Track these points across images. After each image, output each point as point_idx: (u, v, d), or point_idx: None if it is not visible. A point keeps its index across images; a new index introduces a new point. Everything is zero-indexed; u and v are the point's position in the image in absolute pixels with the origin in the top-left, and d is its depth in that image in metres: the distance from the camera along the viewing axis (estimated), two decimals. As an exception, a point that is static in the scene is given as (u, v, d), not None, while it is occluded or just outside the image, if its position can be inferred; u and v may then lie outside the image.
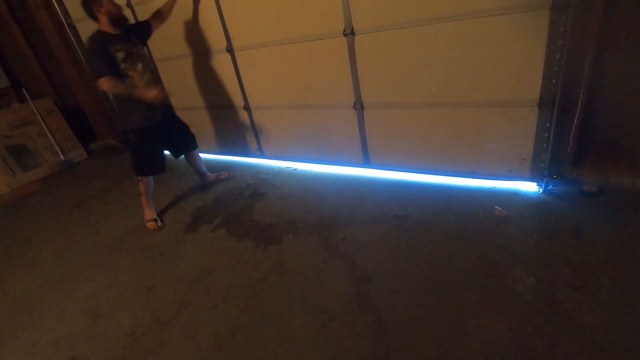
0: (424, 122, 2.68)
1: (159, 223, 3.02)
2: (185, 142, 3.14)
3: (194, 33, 3.37)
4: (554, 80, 2.10)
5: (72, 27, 4.38)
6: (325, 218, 2.64)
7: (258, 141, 3.72)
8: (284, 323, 1.87)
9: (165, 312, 2.11)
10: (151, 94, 2.45)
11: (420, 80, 2.54)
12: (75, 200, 3.84)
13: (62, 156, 4.87)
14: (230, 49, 3.26)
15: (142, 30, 2.82)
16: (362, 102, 2.86)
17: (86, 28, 4.25)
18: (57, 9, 4.27)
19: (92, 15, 2.49)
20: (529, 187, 2.48)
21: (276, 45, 3.01)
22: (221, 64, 3.40)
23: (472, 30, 2.21)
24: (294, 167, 3.53)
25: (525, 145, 2.38)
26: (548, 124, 2.23)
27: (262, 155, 3.79)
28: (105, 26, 2.50)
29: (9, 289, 2.62)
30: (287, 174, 3.46)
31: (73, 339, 2.06)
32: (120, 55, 2.49)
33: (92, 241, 3.02)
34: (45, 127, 4.75)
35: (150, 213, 3.05)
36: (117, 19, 2.51)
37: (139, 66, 2.61)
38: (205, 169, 3.42)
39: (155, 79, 2.78)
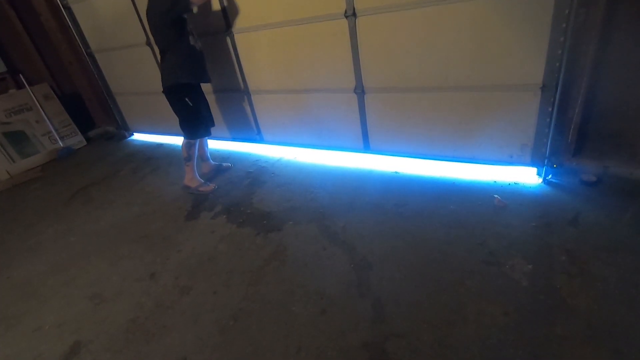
0: (425, 107, 2.68)
1: (211, 184, 3.16)
2: (210, 116, 3.20)
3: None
4: (558, 64, 2.10)
5: (68, 9, 4.31)
6: (325, 206, 2.66)
7: (257, 126, 3.71)
8: (285, 309, 1.90)
9: (167, 298, 2.14)
10: None
11: (422, 64, 2.53)
12: (74, 188, 3.84)
13: (60, 143, 4.85)
14: (229, 32, 3.23)
15: None
16: (363, 86, 2.85)
17: (81, 9, 4.20)
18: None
19: None
20: (529, 175, 2.50)
21: (276, 28, 2.98)
22: (220, 47, 3.37)
23: (475, 12, 2.19)
24: (293, 156, 3.53)
25: (526, 130, 2.39)
26: (550, 109, 2.23)
27: (261, 140, 3.79)
28: None
29: (13, 274, 2.65)
30: (286, 163, 3.46)
31: (77, 323, 2.09)
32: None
33: (92, 228, 3.03)
34: (43, 114, 4.72)
35: (197, 179, 3.17)
36: None
37: (193, 31, 2.91)
38: (208, 155, 3.43)
39: None
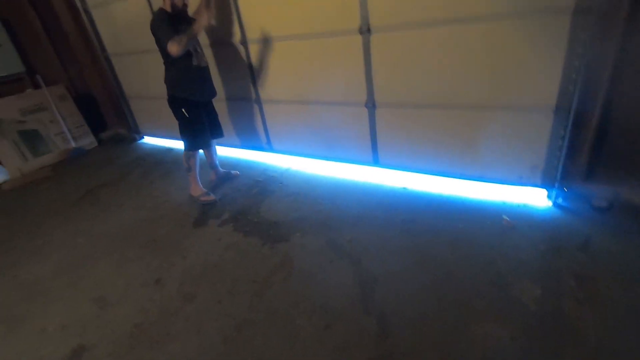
0: (436, 123, 2.69)
1: (212, 195, 3.15)
2: (216, 127, 3.22)
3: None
4: (571, 88, 2.10)
5: (87, 13, 4.42)
6: (332, 219, 2.66)
7: (267, 135, 3.74)
8: (289, 321, 1.89)
9: (172, 304, 2.14)
10: (203, 16, 2.65)
11: (434, 81, 2.54)
12: (83, 189, 3.88)
13: (73, 143, 4.91)
14: (244, 42, 3.28)
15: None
16: (374, 101, 2.87)
17: (101, 14, 4.31)
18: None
19: None
20: (539, 197, 2.48)
21: (290, 40, 3.03)
22: (234, 56, 3.42)
23: (490, 33, 2.21)
24: (302, 167, 3.55)
25: (537, 152, 2.38)
26: (562, 132, 2.23)
27: (270, 149, 3.81)
28: (168, 7, 2.69)
29: (19, 273, 2.67)
30: (294, 173, 3.47)
31: (81, 326, 2.10)
32: None
33: (100, 230, 3.05)
34: (57, 114, 4.80)
35: (200, 188, 3.19)
36: (178, 9, 2.72)
37: (198, 48, 2.87)
38: (216, 163, 3.46)
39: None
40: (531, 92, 2.25)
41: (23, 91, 4.70)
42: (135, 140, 5.17)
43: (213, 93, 3.07)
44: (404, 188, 2.89)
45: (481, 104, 2.44)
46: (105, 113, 5.39)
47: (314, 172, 3.43)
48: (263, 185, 3.32)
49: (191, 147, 3.04)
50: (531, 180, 2.48)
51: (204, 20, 2.65)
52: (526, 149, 2.41)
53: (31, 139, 4.59)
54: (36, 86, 4.77)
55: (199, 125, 2.97)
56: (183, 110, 2.87)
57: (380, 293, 1.97)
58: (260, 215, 2.85)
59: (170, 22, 2.59)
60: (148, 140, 5.16)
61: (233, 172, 3.57)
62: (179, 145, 4.59)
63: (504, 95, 2.34)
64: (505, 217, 2.35)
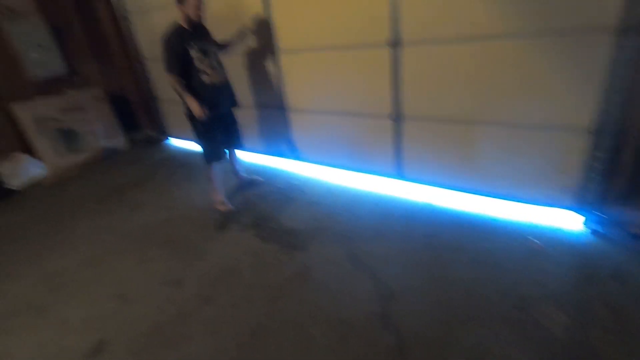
0: (463, 139, 2.63)
1: (229, 205, 3.16)
2: (235, 138, 3.25)
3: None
4: (611, 109, 2.02)
5: (127, 19, 4.65)
6: (352, 230, 2.64)
7: (292, 143, 3.77)
8: (304, 330, 1.88)
9: (189, 306, 2.16)
10: (195, 109, 2.71)
11: (465, 96, 2.50)
12: (111, 187, 4.01)
13: (105, 143, 5.10)
14: (275, 51, 3.35)
15: (215, 43, 2.97)
16: (401, 114, 2.85)
17: (140, 19, 4.50)
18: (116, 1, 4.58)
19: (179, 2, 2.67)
20: (570, 221, 2.37)
21: (320, 52, 3.07)
22: (265, 64, 3.49)
23: (525, 50, 2.16)
24: (325, 176, 3.55)
25: (570, 173, 2.29)
26: (599, 154, 2.14)
27: (294, 157, 3.84)
28: (183, 22, 2.70)
29: (46, 264, 2.76)
30: (317, 182, 3.48)
31: (102, 321, 2.15)
32: (194, 54, 2.70)
33: (124, 228, 3.14)
34: (93, 114, 5.01)
35: (218, 195, 3.20)
36: (193, 21, 2.71)
37: (214, 63, 2.83)
38: (239, 169, 3.50)
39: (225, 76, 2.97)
40: (567, 111, 2.17)
41: (63, 91, 4.93)
42: (164, 142, 5.32)
43: (232, 104, 3.08)
44: (428, 203, 2.84)
45: (513, 121, 2.38)
46: (138, 115, 5.59)
47: (336, 181, 3.42)
48: (285, 192, 3.33)
49: (206, 158, 3.06)
50: (563, 203, 2.39)
51: (194, 111, 2.70)
52: (559, 170, 2.33)
53: (67, 137, 4.80)
54: (75, 87, 5.00)
55: (212, 140, 2.98)
56: (196, 124, 2.90)
57: (397, 308, 1.93)
58: (280, 223, 2.86)
59: (178, 45, 2.64)
60: (176, 142, 5.30)
61: (257, 178, 3.61)
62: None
63: (538, 114, 2.27)
64: (533, 239, 2.26)
